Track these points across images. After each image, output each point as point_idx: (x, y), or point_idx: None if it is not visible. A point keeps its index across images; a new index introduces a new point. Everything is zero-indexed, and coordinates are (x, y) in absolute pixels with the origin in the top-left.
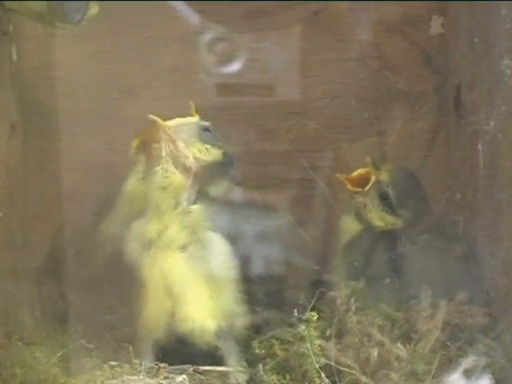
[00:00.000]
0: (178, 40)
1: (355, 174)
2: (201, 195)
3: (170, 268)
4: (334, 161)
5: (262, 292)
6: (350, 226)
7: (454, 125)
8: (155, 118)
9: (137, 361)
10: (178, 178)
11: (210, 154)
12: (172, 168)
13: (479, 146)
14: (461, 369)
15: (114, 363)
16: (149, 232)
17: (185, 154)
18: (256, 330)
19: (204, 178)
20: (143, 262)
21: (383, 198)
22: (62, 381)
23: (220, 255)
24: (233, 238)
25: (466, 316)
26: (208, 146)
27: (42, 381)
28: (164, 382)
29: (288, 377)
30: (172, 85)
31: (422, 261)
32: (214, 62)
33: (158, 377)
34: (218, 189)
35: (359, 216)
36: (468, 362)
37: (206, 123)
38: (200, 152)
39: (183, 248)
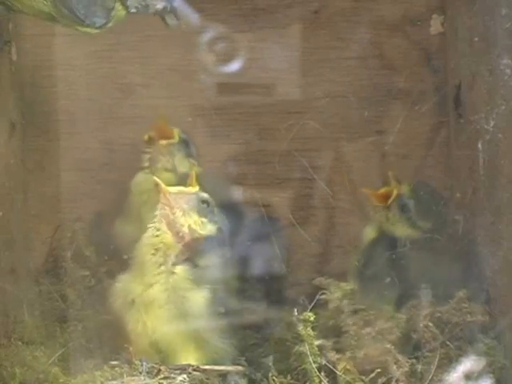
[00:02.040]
0: (177, 39)
1: (382, 190)
2: (189, 262)
3: (154, 325)
4: (334, 160)
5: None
6: (371, 236)
7: (454, 124)
8: (158, 181)
9: (137, 361)
10: (168, 238)
11: (205, 228)
12: (164, 228)
13: (479, 146)
14: (461, 368)
15: (113, 363)
16: (133, 289)
17: (180, 223)
18: (256, 329)
19: (195, 249)
20: (128, 318)
21: (404, 210)
22: (61, 380)
23: (201, 313)
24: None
25: (465, 314)
26: (204, 220)
27: (41, 380)
28: (164, 382)
29: (288, 376)
30: (171, 84)
31: (424, 261)
32: (213, 62)
33: (158, 376)
34: (207, 261)
35: (381, 228)
36: (468, 361)
37: (206, 196)
38: (195, 224)
39: (165, 306)
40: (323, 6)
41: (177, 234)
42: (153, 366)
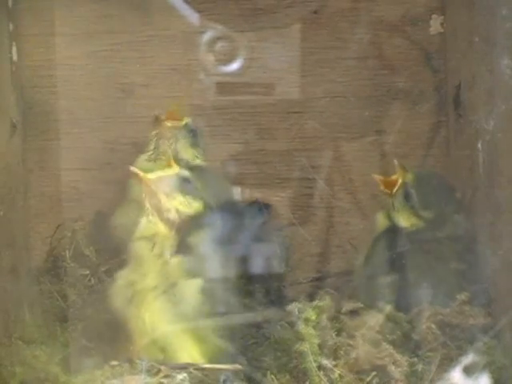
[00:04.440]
0: (177, 39)
1: (391, 178)
2: (181, 245)
3: (153, 320)
4: (334, 160)
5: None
6: (382, 222)
7: (454, 124)
8: (136, 170)
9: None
10: (161, 228)
11: (192, 206)
12: (156, 219)
13: (479, 146)
14: (461, 367)
15: (114, 362)
16: (132, 284)
17: (167, 208)
18: (255, 329)
19: (185, 229)
20: (129, 315)
21: (407, 199)
22: (62, 380)
23: (196, 303)
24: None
25: (467, 317)
26: (189, 199)
27: (42, 380)
28: (164, 380)
29: (288, 376)
30: (172, 84)
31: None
32: (213, 61)
33: (158, 375)
34: (197, 239)
35: (389, 215)
36: (467, 360)
37: (186, 173)
38: (181, 205)
39: (161, 297)
40: (323, 6)
41: (167, 220)
42: (153, 365)
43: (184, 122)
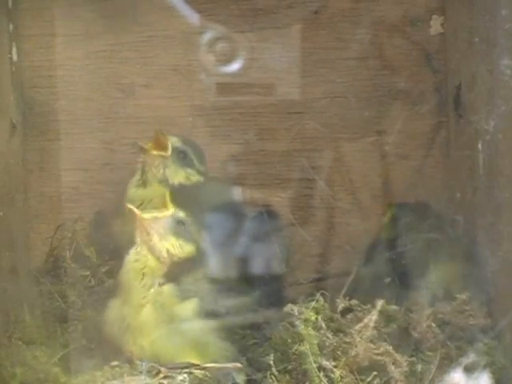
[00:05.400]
0: (177, 39)
1: None
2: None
3: (152, 347)
4: (334, 160)
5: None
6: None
7: (454, 124)
8: (132, 207)
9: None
10: (151, 261)
11: (183, 249)
12: (145, 252)
13: (479, 146)
14: (461, 367)
15: (114, 363)
16: (125, 315)
17: (158, 249)
18: (256, 329)
19: (177, 272)
20: (126, 342)
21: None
22: (62, 380)
23: (193, 324)
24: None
25: (468, 317)
26: (182, 242)
27: (42, 380)
28: (164, 381)
29: (288, 376)
30: (172, 84)
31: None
32: (213, 62)
33: (158, 376)
34: (190, 279)
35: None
36: (468, 360)
37: (181, 215)
38: (173, 247)
39: (158, 326)
40: (323, 7)
41: (158, 258)
42: (153, 366)
43: (170, 150)
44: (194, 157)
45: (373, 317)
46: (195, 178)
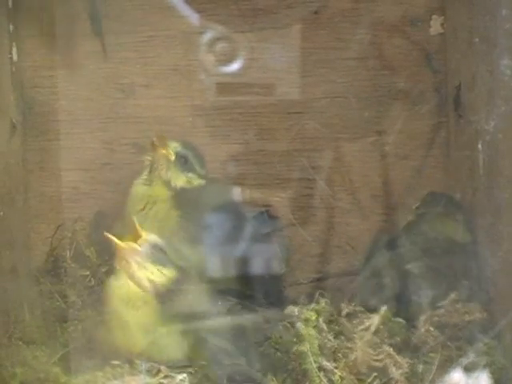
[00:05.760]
0: (177, 39)
1: None
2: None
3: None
4: (334, 160)
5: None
6: None
7: (454, 125)
8: (112, 237)
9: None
10: (134, 289)
11: (163, 275)
12: (128, 281)
13: (479, 146)
14: (461, 368)
15: (115, 363)
16: (116, 342)
17: (138, 277)
18: (255, 328)
19: (164, 297)
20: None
21: None
22: (62, 380)
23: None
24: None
25: (463, 314)
26: (160, 268)
27: (42, 380)
28: (164, 381)
29: (288, 377)
30: (172, 84)
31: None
32: (213, 62)
33: (158, 375)
34: (182, 297)
35: None
36: (468, 360)
37: (155, 241)
38: (154, 275)
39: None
40: (323, 7)
41: (139, 286)
42: (152, 366)
43: (173, 156)
44: (194, 161)
45: (374, 321)
46: (196, 181)
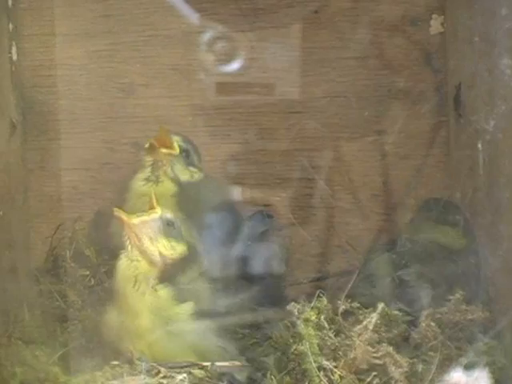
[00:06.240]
0: (177, 39)
1: None
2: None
3: (151, 351)
4: (334, 160)
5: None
6: None
7: (454, 124)
8: (120, 212)
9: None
10: (143, 265)
11: (175, 250)
12: (137, 256)
13: (479, 146)
14: (461, 367)
15: (114, 363)
16: (122, 322)
17: (150, 252)
18: (256, 329)
19: (171, 273)
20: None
21: None
22: (62, 380)
23: (190, 327)
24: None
25: (464, 314)
26: (173, 242)
27: (42, 380)
28: (164, 381)
29: (288, 376)
30: (172, 84)
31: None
32: (213, 61)
33: (158, 376)
34: (187, 278)
35: None
36: (468, 360)
37: (169, 216)
38: (165, 249)
39: (156, 332)
40: (323, 6)
41: (150, 261)
42: (152, 366)
43: (177, 150)
44: (194, 154)
45: (372, 319)
46: (197, 175)
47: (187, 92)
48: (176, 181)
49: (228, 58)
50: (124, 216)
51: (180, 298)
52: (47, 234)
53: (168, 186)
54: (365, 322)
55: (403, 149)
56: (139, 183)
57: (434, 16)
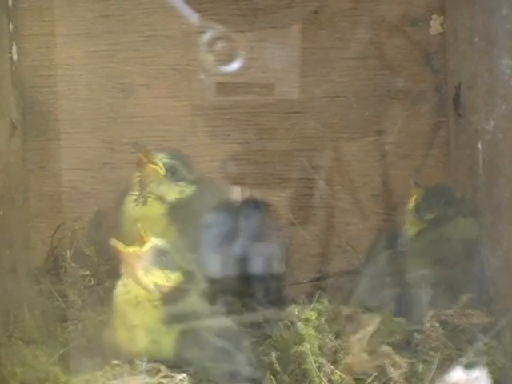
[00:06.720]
0: (177, 39)
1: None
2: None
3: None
4: (334, 160)
5: (261, 291)
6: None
7: (454, 124)
8: (117, 242)
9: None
10: (142, 292)
11: (170, 279)
12: (132, 285)
13: (479, 146)
14: (461, 367)
15: (114, 363)
16: (119, 342)
17: (145, 283)
18: (256, 329)
19: (169, 300)
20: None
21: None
22: (62, 380)
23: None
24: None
25: (470, 317)
26: (167, 272)
27: (42, 380)
28: (164, 380)
29: (288, 377)
30: (172, 84)
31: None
32: (213, 61)
33: (158, 375)
34: (188, 302)
35: None
36: (467, 360)
37: (161, 245)
38: (160, 279)
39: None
40: (323, 6)
41: (146, 290)
42: (152, 365)
43: (163, 172)
44: (182, 168)
45: (370, 328)
46: (188, 189)
47: (187, 92)
48: (162, 200)
49: (228, 58)
50: (121, 247)
51: (177, 321)
52: (47, 234)
53: (156, 207)
54: (359, 335)
55: (403, 149)
56: (129, 206)
57: (433, 16)
